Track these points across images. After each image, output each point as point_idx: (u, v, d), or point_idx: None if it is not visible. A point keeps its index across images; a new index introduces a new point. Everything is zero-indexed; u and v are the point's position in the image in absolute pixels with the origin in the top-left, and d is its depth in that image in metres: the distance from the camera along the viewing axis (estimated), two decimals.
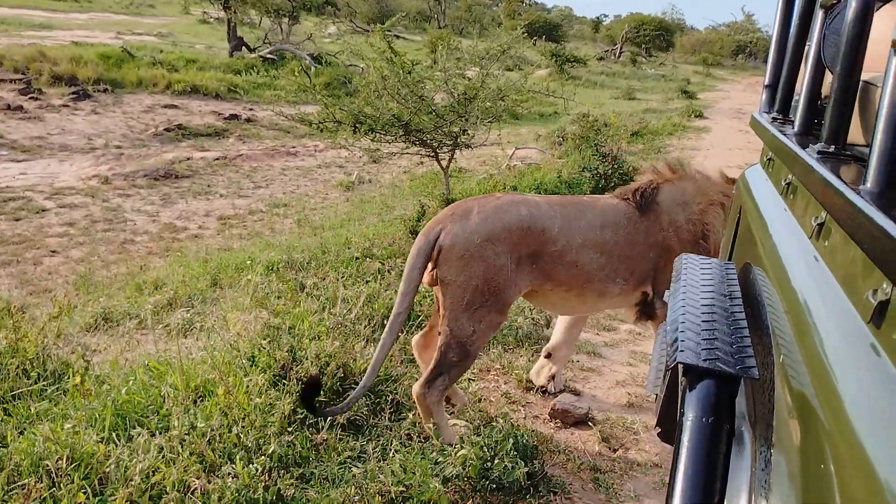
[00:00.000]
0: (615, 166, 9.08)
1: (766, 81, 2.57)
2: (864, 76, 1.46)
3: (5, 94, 16.43)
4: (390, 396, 3.71)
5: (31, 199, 9.87)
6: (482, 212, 3.32)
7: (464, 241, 3.25)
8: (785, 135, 1.89)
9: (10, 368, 3.57)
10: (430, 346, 3.63)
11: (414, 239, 6.69)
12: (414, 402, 3.45)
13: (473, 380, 4.14)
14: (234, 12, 24.47)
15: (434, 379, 3.34)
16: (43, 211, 9.40)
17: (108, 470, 2.75)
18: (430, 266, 3.36)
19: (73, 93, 17.30)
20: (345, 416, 3.39)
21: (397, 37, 31.47)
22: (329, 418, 3.33)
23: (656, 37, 49.50)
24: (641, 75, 36.93)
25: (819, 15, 1.91)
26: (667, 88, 30.07)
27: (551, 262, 3.37)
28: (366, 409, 3.53)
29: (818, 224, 1.33)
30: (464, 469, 2.98)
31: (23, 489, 2.58)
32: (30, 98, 16.54)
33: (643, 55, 47.02)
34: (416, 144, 8.09)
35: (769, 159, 2.35)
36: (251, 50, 25.02)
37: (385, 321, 4.56)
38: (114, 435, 3.04)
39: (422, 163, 9.74)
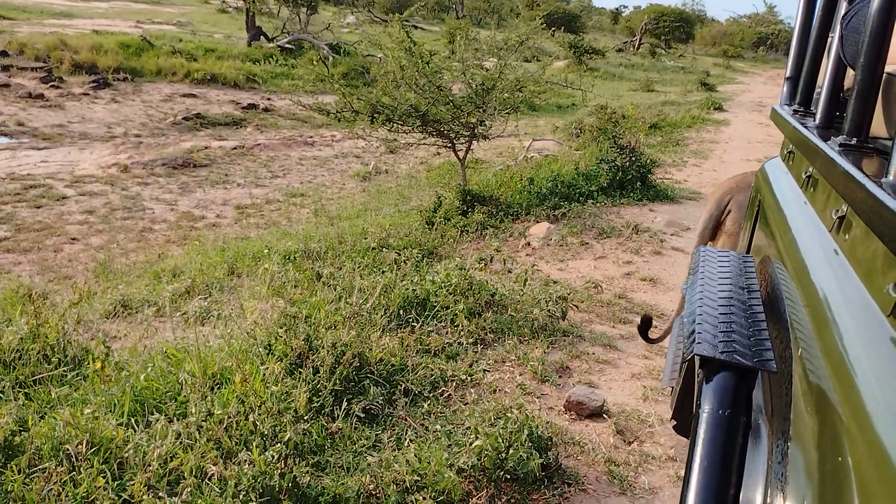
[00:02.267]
0: (633, 159, 9.02)
1: (788, 73, 2.55)
2: (888, 68, 1.44)
3: (27, 83, 16.60)
4: (404, 386, 3.72)
5: (52, 187, 9.97)
6: None
7: None
8: (806, 127, 1.87)
9: (31, 354, 3.62)
10: None
11: (430, 230, 6.74)
12: (430, 391, 3.45)
13: (489, 371, 4.14)
14: (253, 2, 24.52)
15: None
16: (63, 199, 9.50)
17: (126, 455, 2.78)
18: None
19: (93, 81, 17.44)
20: (359, 405, 3.41)
21: (415, 27, 31.45)
22: (343, 408, 3.35)
23: (676, 28, 48.98)
24: (661, 67, 36.68)
25: (842, 6, 1.89)
26: (686, 80, 29.84)
27: None
28: (381, 398, 3.55)
29: (839, 217, 1.32)
30: (479, 459, 2.99)
31: (44, 472, 2.62)
32: (51, 86, 16.69)
33: (662, 47, 46.66)
34: (433, 135, 8.09)
35: (790, 152, 2.33)
36: (269, 39, 25.07)
37: (401, 311, 4.60)
38: (132, 420, 3.08)
39: (438, 153, 9.73)
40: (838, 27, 1.80)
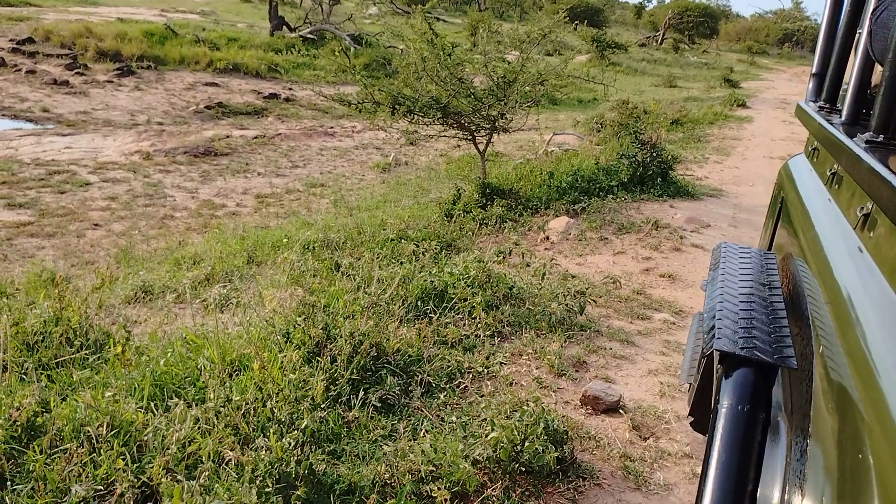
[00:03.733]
0: (654, 154, 8.96)
1: (814, 70, 2.53)
2: None
3: (52, 69, 16.76)
4: (420, 376, 3.73)
5: (76, 173, 10.08)
6: None
7: None
8: (832, 124, 1.85)
9: (54, 337, 3.67)
10: None
11: (449, 222, 6.74)
12: (446, 382, 3.47)
13: (505, 363, 4.15)
14: None
15: None
16: (87, 185, 9.60)
17: (146, 438, 2.81)
18: None
19: (117, 69, 17.59)
20: (376, 394, 3.43)
21: (437, 19, 31.41)
22: (360, 397, 3.37)
23: (700, 23, 48.57)
24: (684, 63, 36.39)
25: (871, 2, 1.87)
26: (709, 77, 29.58)
27: None
28: (397, 388, 3.56)
29: (864, 215, 1.31)
30: (494, 451, 3.00)
31: (65, 453, 2.65)
32: (75, 73, 16.86)
33: (686, 42, 46.27)
34: (453, 127, 8.08)
35: (814, 149, 2.31)
36: (292, 29, 25.14)
37: (419, 303, 4.61)
38: (152, 404, 3.11)
39: (459, 146, 9.72)
40: (867, 23, 1.78)
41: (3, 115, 13.60)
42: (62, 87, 15.77)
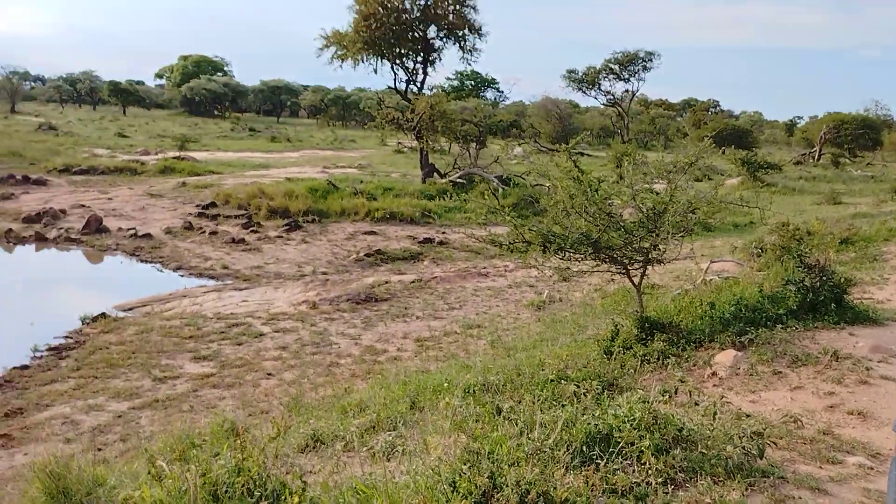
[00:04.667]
0: (824, 278, 8.43)
1: None
2: None
3: (230, 229, 18.51)
4: None
5: (251, 325, 10.86)
6: None
7: None
8: None
9: (237, 487, 3.86)
10: None
11: (608, 359, 6.60)
12: None
13: None
14: (426, 141, 26.24)
15: None
16: (260, 335, 10.30)
17: None
18: None
19: (285, 224, 19.18)
20: None
21: (581, 154, 32.14)
22: None
23: (860, 135, 46.52)
24: (846, 177, 34.78)
25: None
26: (878, 190, 28.01)
27: None
28: None
29: None
30: None
31: None
32: (250, 231, 18.54)
33: (846, 156, 44.33)
34: (606, 261, 8.05)
35: None
36: (442, 175, 26.53)
37: (584, 447, 4.46)
38: None
39: (613, 279, 9.65)
40: None
41: (190, 274, 15.12)
42: (239, 244, 17.34)
